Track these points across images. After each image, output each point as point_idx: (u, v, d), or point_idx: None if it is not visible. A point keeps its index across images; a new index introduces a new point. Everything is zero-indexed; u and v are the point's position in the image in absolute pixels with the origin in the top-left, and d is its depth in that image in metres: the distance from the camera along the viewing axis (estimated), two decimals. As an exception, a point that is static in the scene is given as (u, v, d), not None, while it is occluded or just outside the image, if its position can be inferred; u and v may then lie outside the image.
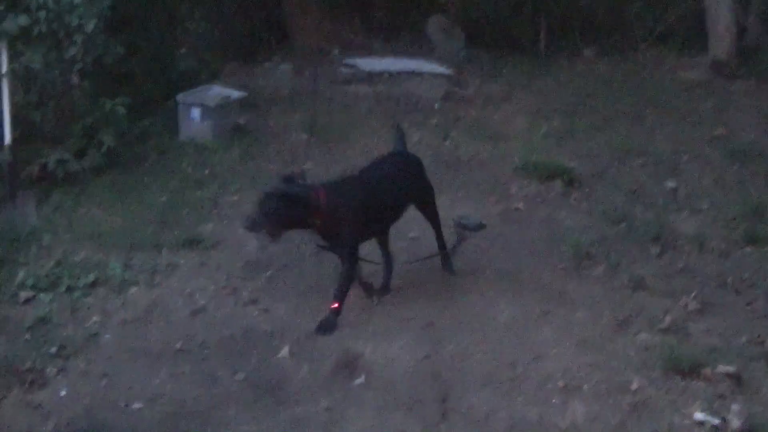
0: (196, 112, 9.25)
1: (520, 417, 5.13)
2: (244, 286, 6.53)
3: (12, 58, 8.04)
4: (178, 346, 5.93)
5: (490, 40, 12.01)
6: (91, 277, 6.68)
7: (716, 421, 5.00)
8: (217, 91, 9.64)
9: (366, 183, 6.32)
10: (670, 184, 8.16)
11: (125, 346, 5.96)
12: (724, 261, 6.92)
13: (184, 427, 5.18)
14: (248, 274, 6.70)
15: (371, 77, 10.98)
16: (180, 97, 9.36)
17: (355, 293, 6.19)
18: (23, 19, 7.93)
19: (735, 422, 4.98)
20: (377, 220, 6.34)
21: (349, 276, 6.14)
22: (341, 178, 6.51)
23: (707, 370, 5.41)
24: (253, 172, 8.50)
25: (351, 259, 6.15)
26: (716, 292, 6.43)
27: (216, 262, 6.91)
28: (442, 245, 6.75)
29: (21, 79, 8.29)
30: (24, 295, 6.52)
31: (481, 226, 7.21)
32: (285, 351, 5.78)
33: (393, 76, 10.99)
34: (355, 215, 6.11)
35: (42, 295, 6.53)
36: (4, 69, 8.00)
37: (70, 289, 6.58)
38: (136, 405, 5.37)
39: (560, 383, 5.38)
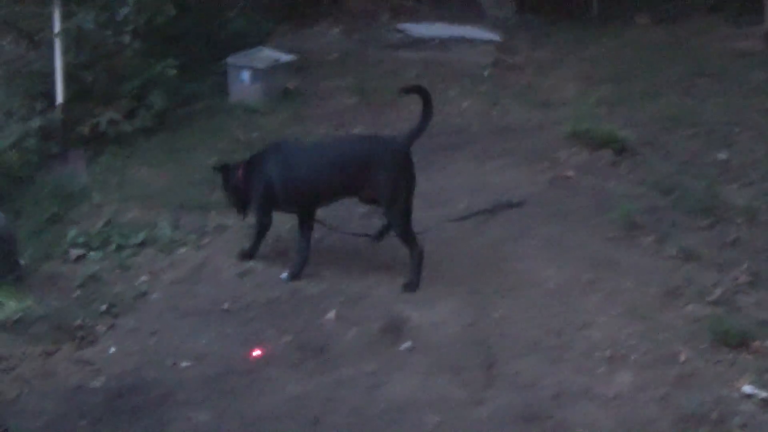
0: (245, 75, 9.26)
1: (567, 385, 5.10)
2: (291, 249, 6.55)
3: (65, 18, 8.11)
4: (225, 306, 5.99)
5: (540, 5, 11.85)
6: (141, 237, 6.76)
7: (765, 394, 4.95)
8: (267, 54, 9.62)
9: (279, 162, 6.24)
10: (722, 155, 8.03)
11: (173, 306, 6.03)
12: (775, 233, 6.83)
13: (230, 386, 5.24)
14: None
15: (420, 42, 10.91)
16: (230, 59, 9.37)
17: (400, 260, 6.17)
18: (76, -21, 7.99)
19: (784, 395, 4.94)
20: (290, 201, 6.26)
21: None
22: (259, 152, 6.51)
23: (756, 343, 5.35)
24: (302, 135, 8.50)
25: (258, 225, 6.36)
26: (767, 264, 6.34)
27: (264, 223, 6.93)
28: (385, 228, 6.38)
29: (73, 39, 8.34)
30: (75, 252, 6.62)
31: (517, 204, 7.12)
32: (331, 314, 5.81)
33: (442, 41, 10.91)
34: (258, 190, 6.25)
35: (92, 253, 6.63)
36: (57, 29, 8.07)
37: (119, 248, 6.67)
38: (184, 363, 5.45)
39: (607, 352, 5.34)
